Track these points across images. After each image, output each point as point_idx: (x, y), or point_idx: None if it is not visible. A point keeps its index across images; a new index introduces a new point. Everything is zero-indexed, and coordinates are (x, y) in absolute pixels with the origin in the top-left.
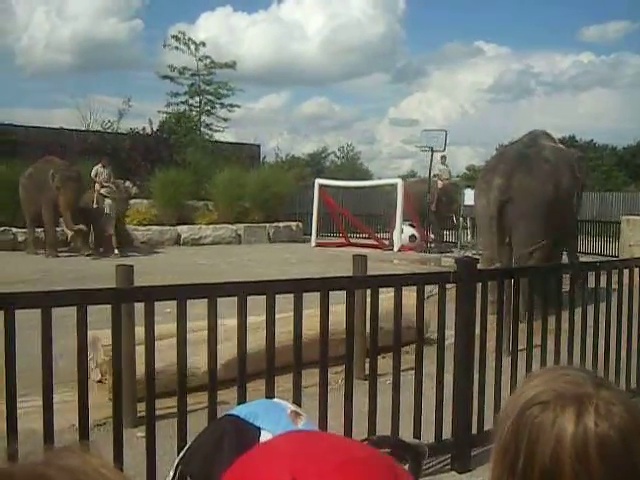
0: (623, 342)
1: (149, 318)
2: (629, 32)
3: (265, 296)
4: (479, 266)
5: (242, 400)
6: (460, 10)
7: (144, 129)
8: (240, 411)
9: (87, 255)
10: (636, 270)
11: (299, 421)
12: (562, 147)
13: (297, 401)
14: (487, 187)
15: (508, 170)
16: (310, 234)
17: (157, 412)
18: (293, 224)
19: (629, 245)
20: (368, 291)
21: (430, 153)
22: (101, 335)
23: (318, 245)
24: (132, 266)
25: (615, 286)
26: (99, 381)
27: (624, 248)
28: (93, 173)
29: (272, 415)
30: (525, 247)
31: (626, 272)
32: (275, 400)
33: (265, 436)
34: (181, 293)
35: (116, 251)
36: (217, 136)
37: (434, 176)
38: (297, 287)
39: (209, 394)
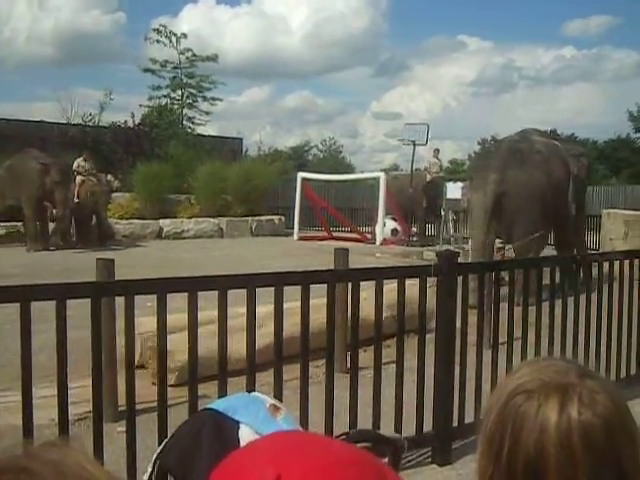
0: (603, 334)
1: (129, 312)
2: (611, 26)
3: (245, 290)
4: (470, 256)
5: (223, 394)
6: (443, 4)
7: (126, 122)
8: (219, 405)
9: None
10: (616, 263)
11: (278, 415)
12: (555, 142)
13: (279, 394)
14: (483, 182)
15: (502, 165)
16: (293, 228)
17: (138, 406)
18: (275, 218)
19: (610, 239)
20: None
21: (412, 147)
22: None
23: (301, 239)
24: (113, 260)
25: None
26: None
27: (605, 241)
28: (75, 166)
29: (251, 409)
30: (524, 237)
31: (606, 265)
32: (254, 394)
33: (244, 430)
34: (161, 287)
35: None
36: (199, 129)
37: (424, 169)
38: (278, 281)
39: (189, 388)
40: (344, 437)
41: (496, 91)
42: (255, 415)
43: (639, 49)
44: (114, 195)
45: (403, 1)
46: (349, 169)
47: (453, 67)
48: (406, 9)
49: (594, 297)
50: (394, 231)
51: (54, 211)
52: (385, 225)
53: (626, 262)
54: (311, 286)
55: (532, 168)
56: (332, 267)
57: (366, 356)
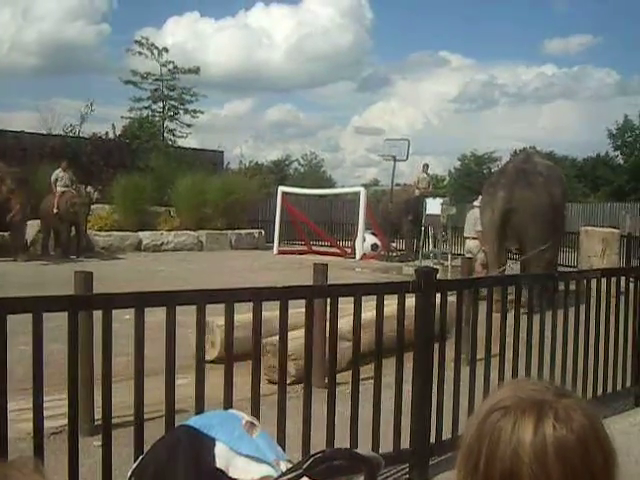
0: (580, 351)
1: (106, 326)
2: (591, 46)
3: (224, 304)
4: (487, 270)
5: (201, 407)
6: (426, 21)
7: (107, 134)
8: (195, 422)
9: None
10: (593, 281)
11: (254, 432)
12: (551, 164)
13: (256, 409)
14: (491, 199)
15: (509, 184)
16: (272, 242)
17: (115, 420)
18: (255, 231)
19: (588, 256)
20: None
21: (393, 162)
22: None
23: (280, 253)
24: (91, 273)
25: (573, 296)
26: (212, 361)
27: (583, 259)
28: (53, 178)
29: (227, 426)
30: (535, 249)
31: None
32: (231, 411)
33: (219, 447)
34: (139, 301)
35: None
36: (180, 142)
37: (413, 184)
38: (256, 296)
39: (166, 402)
40: (320, 455)
41: (478, 107)
42: (231, 432)
43: (619, 68)
44: (94, 207)
45: (387, 17)
46: (330, 183)
47: (435, 83)
48: (390, 25)
49: (571, 314)
50: (374, 246)
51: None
52: (365, 240)
53: (603, 280)
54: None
55: (536, 188)
56: (311, 282)
57: (344, 373)
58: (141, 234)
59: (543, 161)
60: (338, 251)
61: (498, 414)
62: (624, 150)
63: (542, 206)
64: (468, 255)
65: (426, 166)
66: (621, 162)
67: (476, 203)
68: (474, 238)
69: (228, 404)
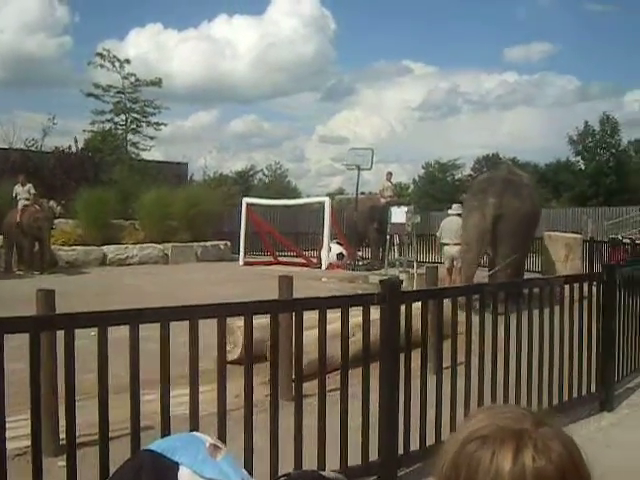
0: (546, 358)
1: (69, 346)
2: (552, 53)
3: (188, 322)
4: (462, 270)
5: (167, 427)
6: (389, 30)
7: (69, 147)
8: (158, 445)
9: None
10: (556, 289)
11: (218, 455)
12: (529, 176)
13: (222, 425)
14: (480, 205)
15: (499, 192)
16: (238, 253)
17: (81, 439)
18: (221, 243)
19: (551, 261)
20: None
21: (357, 171)
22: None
23: (246, 264)
24: (53, 290)
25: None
26: (234, 362)
27: (547, 263)
28: (14, 193)
29: (190, 449)
30: (506, 257)
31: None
32: (194, 433)
33: (183, 471)
34: (102, 320)
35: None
36: (144, 154)
37: (378, 192)
38: (220, 312)
39: (132, 421)
40: (284, 479)
41: (442, 115)
42: (195, 456)
43: (579, 75)
44: (57, 221)
45: (350, 27)
46: (295, 193)
47: (399, 91)
48: (353, 35)
49: (536, 320)
50: (340, 255)
51: None
52: (331, 249)
53: (566, 286)
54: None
55: (523, 198)
56: (277, 293)
57: (313, 384)
58: (105, 248)
59: (524, 174)
60: (304, 261)
61: (475, 444)
62: (585, 155)
63: (526, 215)
64: (448, 261)
65: (390, 174)
66: (582, 167)
67: (452, 211)
68: (456, 244)
69: (194, 419)
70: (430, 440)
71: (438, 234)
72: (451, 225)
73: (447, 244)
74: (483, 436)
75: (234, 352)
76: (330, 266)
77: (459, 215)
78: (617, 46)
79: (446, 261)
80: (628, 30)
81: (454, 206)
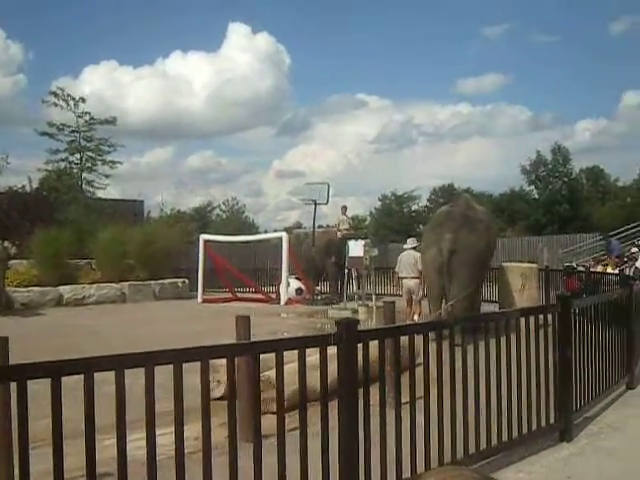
0: (504, 391)
1: (22, 398)
2: (504, 84)
3: (144, 368)
4: (429, 303)
5: (123, 473)
6: (342, 64)
7: (23, 187)
8: None
9: None
10: (512, 322)
11: None
12: (486, 210)
13: (180, 466)
14: (438, 239)
15: (456, 227)
16: (196, 290)
17: None
18: (179, 281)
19: (508, 291)
20: None
21: (314, 206)
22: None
23: (205, 301)
24: (6, 338)
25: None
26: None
27: (504, 294)
28: None
29: None
30: (462, 290)
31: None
32: None
33: None
34: (55, 370)
35: None
36: (100, 193)
37: (333, 226)
38: (176, 358)
39: (87, 468)
40: None
41: (397, 147)
42: None
43: (531, 105)
44: (11, 262)
45: (304, 62)
46: (253, 228)
47: (354, 125)
48: (307, 69)
49: (493, 353)
50: (298, 290)
51: None
52: (289, 285)
53: (522, 319)
54: None
55: (478, 233)
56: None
57: (273, 423)
58: (62, 288)
59: (481, 207)
60: (263, 297)
61: None
62: (538, 184)
63: (480, 251)
64: (406, 294)
65: (345, 208)
66: (536, 196)
67: (407, 245)
68: (413, 277)
69: (152, 463)
70: (391, 476)
71: (396, 269)
72: (408, 259)
73: (405, 277)
74: None
75: (219, 389)
76: (289, 301)
77: (414, 249)
78: (566, 76)
79: (404, 294)
80: (575, 60)
81: (409, 240)
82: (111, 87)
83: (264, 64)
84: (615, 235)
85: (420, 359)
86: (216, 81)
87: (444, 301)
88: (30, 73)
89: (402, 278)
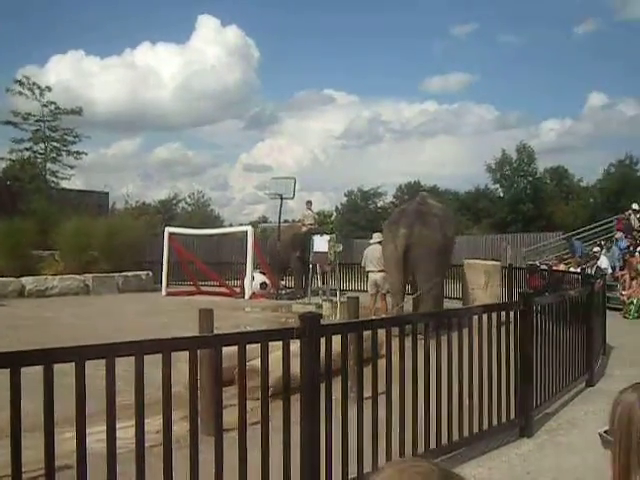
0: (465, 386)
1: None
2: (470, 83)
3: (105, 360)
4: (388, 297)
5: (83, 466)
6: (311, 59)
7: None
8: None
9: None
10: (475, 317)
11: None
12: (443, 206)
13: (140, 460)
14: (393, 236)
15: (410, 222)
16: (160, 283)
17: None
18: (143, 273)
19: (471, 288)
20: None
21: (280, 200)
22: None
23: (169, 294)
24: None
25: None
26: None
27: (467, 290)
28: None
29: None
30: (426, 282)
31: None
32: None
33: None
34: (13, 361)
35: None
36: (64, 183)
37: (299, 221)
38: (138, 350)
39: (46, 461)
40: None
41: (364, 143)
42: None
43: (497, 105)
44: None
45: (273, 56)
46: (218, 222)
47: (322, 120)
48: (276, 64)
49: (455, 349)
50: (263, 285)
51: None
52: (254, 279)
53: (484, 315)
54: None
55: (432, 228)
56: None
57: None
58: (24, 279)
59: (437, 204)
60: (227, 291)
61: None
62: (503, 183)
63: (436, 243)
64: (372, 287)
65: (309, 203)
66: (501, 194)
67: (373, 240)
68: (380, 271)
69: (112, 457)
70: (352, 472)
71: (362, 263)
72: (374, 253)
73: (372, 271)
74: None
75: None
76: (253, 295)
77: (379, 243)
78: (532, 76)
79: (370, 287)
80: (542, 61)
81: (375, 235)
82: (78, 77)
83: (233, 57)
84: (577, 235)
85: (383, 353)
86: (184, 73)
87: (405, 297)
88: None
89: (369, 272)
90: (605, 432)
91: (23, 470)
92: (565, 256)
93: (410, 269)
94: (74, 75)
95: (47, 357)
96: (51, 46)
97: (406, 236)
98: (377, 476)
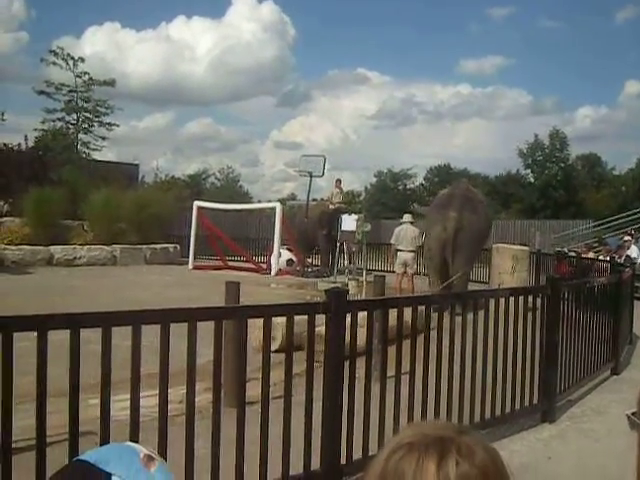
0: (489, 369)
1: (7, 351)
2: (505, 67)
3: (131, 327)
4: (430, 277)
5: (107, 432)
6: (346, 38)
7: (19, 145)
8: (91, 456)
9: None
10: (502, 300)
11: (152, 466)
12: (481, 193)
13: (163, 430)
14: (443, 218)
15: (459, 207)
16: (188, 256)
17: (20, 444)
18: (170, 246)
19: (499, 273)
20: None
21: (309, 178)
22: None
23: (195, 268)
24: None
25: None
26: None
27: (494, 275)
28: None
29: (124, 460)
30: (463, 266)
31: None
32: (128, 443)
33: None
34: (41, 324)
35: None
36: (95, 155)
37: (327, 199)
38: (164, 318)
39: (70, 426)
40: None
41: (396, 124)
42: (128, 467)
43: (530, 89)
44: (3, 220)
45: (309, 34)
46: (246, 198)
47: (355, 100)
48: (311, 42)
49: (480, 331)
50: (289, 261)
51: None
52: (281, 255)
53: (511, 299)
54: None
55: (479, 214)
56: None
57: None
58: (53, 248)
59: (478, 191)
60: (254, 267)
61: (402, 451)
62: (534, 168)
63: (481, 229)
64: (400, 267)
65: (339, 181)
66: (532, 180)
67: (405, 219)
68: (410, 251)
69: (135, 425)
70: (373, 449)
71: (393, 240)
72: (406, 233)
73: (402, 250)
74: (409, 443)
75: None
76: (279, 272)
77: (412, 223)
78: (569, 62)
79: (398, 267)
80: (579, 47)
81: (406, 215)
82: (113, 49)
83: (268, 34)
84: (608, 223)
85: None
86: (219, 48)
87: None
88: (32, 31)
89: (399, 250)
90: (633, 414)
91: (48, 434)
92: (595, 244)
93: (453, 253)
94: (109, 47)
95: (74, 321)
96: (88, 17)
97: (456, 219)
98: (396, 434)
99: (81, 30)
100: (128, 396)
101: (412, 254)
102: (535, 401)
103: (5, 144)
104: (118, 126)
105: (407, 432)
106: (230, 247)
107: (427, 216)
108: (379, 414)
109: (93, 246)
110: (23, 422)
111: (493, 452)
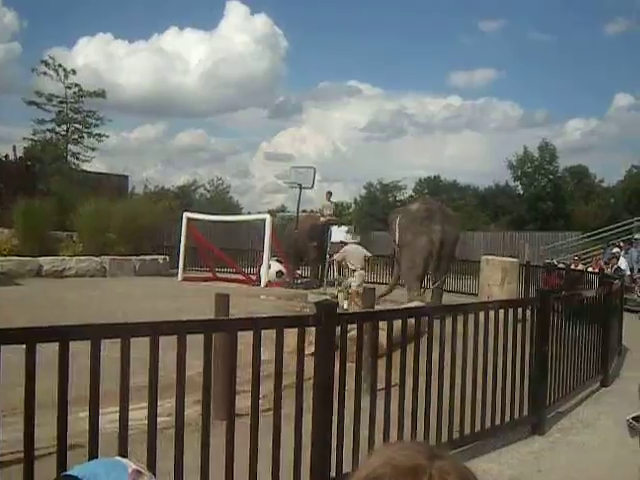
0: (479, 381)
1: None
2: (495, 79)
3: (120, 340)
4: (409, 286)
5: (95, 446)
6: (337, 50)
7: (7, 156)
8: (79, 471)
9: None
10: (491, 312)
11: None
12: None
13: (152, 444)
14: (428, 230)
15: (441, 220)
16: (177, 268)
17: (8, 457)
18: (160, 258)
19: (487, 284)
20: None
21: (299, 189)
22: None
23: (185, 279)
24: None
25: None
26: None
27: (483, 286)
28: None
29: (112, 475)
30: (443, 275)
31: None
32: (116, 458)
33: None
34: (31, 336)
35: None
36: (85, 166)
37: (318, 211)
38: (153, 330)
39: (58, 440)
40: None
41: (387, 136)
42: None
43: (521, 101)
44: None
45: (301, 46)
46: (236, 209)
47: (346, 112)
48: (303, 54)
49: (470, 344)
50: (279, 273)
51: None
52: (270, 267)
53: (501, 311)
54: None
55: (454, 226)
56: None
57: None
58: (42, 259)
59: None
60: (243, 278)
61: None
62: (523, 180)
63: (457, 240)
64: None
65: (329, 193)
66: (521, 192)
67: (350, 239)
68: (361, 269)
69: (123, 438)
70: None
71: (338, 258)
72: (358, 254)
73: (355, 269)
74: (378, 476)
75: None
76: (269, 284)
77: (358, 244)
78: (559, 75)
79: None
80: (569, 60)
81: (348, 236)
82: (105, 60)
83: (260, 46)
84: (597, 234)
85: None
86: (211, 60)
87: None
88: (24, 42)
89: (352, 270)
90: (634, 419)
91: (36, 447)
92: (584, 256)
93: (436, 262)
94: (101, 58)
95: (63, 334)
96: (80, 28)
97: (441, 232)
98: (364, 465)
99: (73, 41)
100: (117, 409)
101: (361, 271)
102: (525, 413)
103: None
104: (108, 137)
105: (376, 462)
106: (220, 258)
107: (407, 229)
108: (369, 427)
109: (82, 257)
110: (10, 435)
111: (468, 475)
